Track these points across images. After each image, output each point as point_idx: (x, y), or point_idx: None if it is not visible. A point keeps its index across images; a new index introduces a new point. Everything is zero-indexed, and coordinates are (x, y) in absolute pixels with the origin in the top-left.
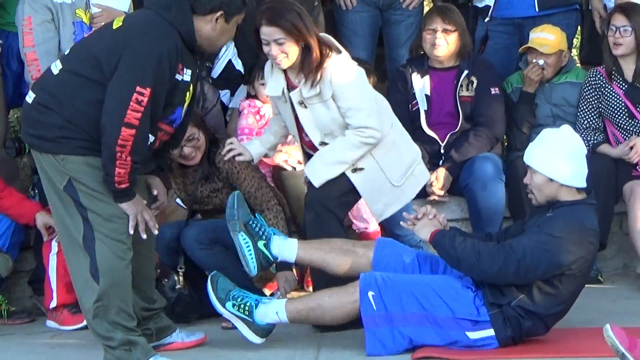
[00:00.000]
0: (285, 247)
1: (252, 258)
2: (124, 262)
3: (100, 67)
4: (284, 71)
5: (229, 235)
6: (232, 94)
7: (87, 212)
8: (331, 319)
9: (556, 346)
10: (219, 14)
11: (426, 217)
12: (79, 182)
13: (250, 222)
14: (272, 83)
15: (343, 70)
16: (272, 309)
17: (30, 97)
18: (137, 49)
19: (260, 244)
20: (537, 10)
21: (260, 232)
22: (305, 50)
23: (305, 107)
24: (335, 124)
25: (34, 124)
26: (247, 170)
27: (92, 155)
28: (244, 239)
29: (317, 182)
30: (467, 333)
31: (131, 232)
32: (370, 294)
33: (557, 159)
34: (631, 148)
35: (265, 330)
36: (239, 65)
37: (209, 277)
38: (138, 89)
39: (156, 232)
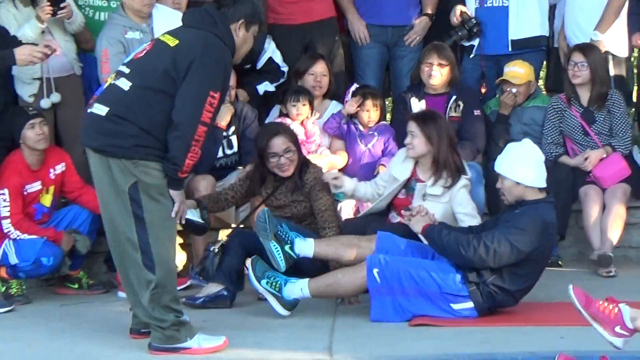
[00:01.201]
0: (305, 247)
1: (281, 259)
2: (175, 255)
3: (173, 80)
4: (416, 162)
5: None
6: (271, 82)
7: (144, 213)
8: (344, 292)
9: (525, 316)
10: (240, 22)
11: (419, 214)
12: (144, 183)
13: (278, 232)
14: (400, 168)
15: (467, 189)
16: (298, 287)
17: (100, 109)
18: (206, 61)
19: (287, 247)
20: (510, 50)
21: (286, 238)
22: (438, 157)
23: (424, 200)
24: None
25: (108, 133)
26: (324, 192)
27: (159, 162)
28: (274, 245)
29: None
30: (451, 305)
31: (173, 215)
32: (375, 270)
33: (521, 166)
34: (586, 159)
35: (291, 304)
36: (277, 58)
37: (250, 260)
38: (211, 93)
39: (183, 221)
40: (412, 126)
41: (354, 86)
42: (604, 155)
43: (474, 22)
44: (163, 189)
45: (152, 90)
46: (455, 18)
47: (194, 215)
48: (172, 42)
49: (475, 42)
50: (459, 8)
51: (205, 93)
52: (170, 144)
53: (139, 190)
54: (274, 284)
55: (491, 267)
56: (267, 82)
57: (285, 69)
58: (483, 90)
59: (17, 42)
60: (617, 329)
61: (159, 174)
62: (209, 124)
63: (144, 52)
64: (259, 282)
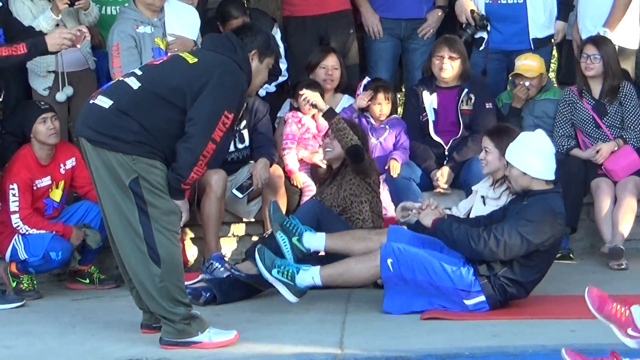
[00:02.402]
0: (315, 240)
1: (287, 251)
2: (179, 248)
3: (183, 94)
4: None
5: None
6: (269, 83)
7: (147, 206)
8: (357, 281)
9: (536, 309)
10: (253, 52)
11: (429, 208)
12: (146, 180)
13: (285, 223)
14: (484, 184)
15: None
16: (309, 275)
17: (104, 102)
18: (224, 82)
19: (294, 239)
20: (532, 47)
21: (294, 230)
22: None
23: (484, 204)
24: None
25: (108, 126)
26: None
27: (159, 160)
28: (281, 236)
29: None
30: (464, 301)
31: (181, 224)
32: (389, 261)
33: (530, 156)
34: (597, 152)
35: (301, 292)
36: (283, 64)
37: (256, 249)
38: (225, 112)
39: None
40: (486, 142)
41: (366, 80)
42: (616, 148)
43: (485, 23)
44: (165, 186)
45: (160, 97)
46: (464, 16)
47: None
48: (191, 59)
49: (484, 34)
50: (469, 7)
51: (220, 111)
52: (178, 154)
53: (140, 185)
54: (285, 272)
55: (501, 260)
56: (266, 85)
57: (284, 65)
58: None
59: (33, 32)
60: (629, 330)
61: (160, 172)
62: (218, 143)
63: (161, 61)
64: (270, 272)
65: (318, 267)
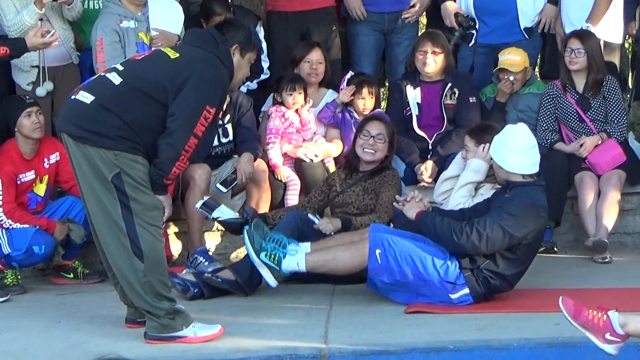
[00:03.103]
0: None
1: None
2: (162, 243)
3: (164, 89)
4: None
5: None
6: (251, 81)
7: (129, 201)
8: (342, 269)
9: (520, 303)
10: (234, 47)
11: (414, 200)
12: (128, 175)
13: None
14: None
15: None
16: (295, 260)
17: (86, 97)
18: (206, 77)
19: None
20: (527, 37)
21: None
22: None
23: (473, 196)
24: None
25: (90, 121)
26: (394, 188)
27: (141, 156)
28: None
29: None
30: (450, 295)
31: (164, 220)
32: (377, 251)
33: (506, 151)
34: (581, 145)
35: (283, 277)
36: (265, 62)
37: (245, 231)
38: (207, 107)
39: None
40: (467, 139)
41: (349, 74)
42: (599, 142)
43: (471, 24)
44: (147, 181)
45: (141, 92)
46: (448, 20)
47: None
48: (173, 54)
49: (473, 31)
50: (453, 10)
51: (202, 106)
52: (160, 149)
53: (123, 180)
54: (273, 256)
55: (484, 253)
56: (248, 83)
57: (266, 64)
58: None
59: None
60: (608, 335)
61: (142, 167)
62: (200, 138)
63: (142, 56)
64: (258, 256)
65: (304, 252)
